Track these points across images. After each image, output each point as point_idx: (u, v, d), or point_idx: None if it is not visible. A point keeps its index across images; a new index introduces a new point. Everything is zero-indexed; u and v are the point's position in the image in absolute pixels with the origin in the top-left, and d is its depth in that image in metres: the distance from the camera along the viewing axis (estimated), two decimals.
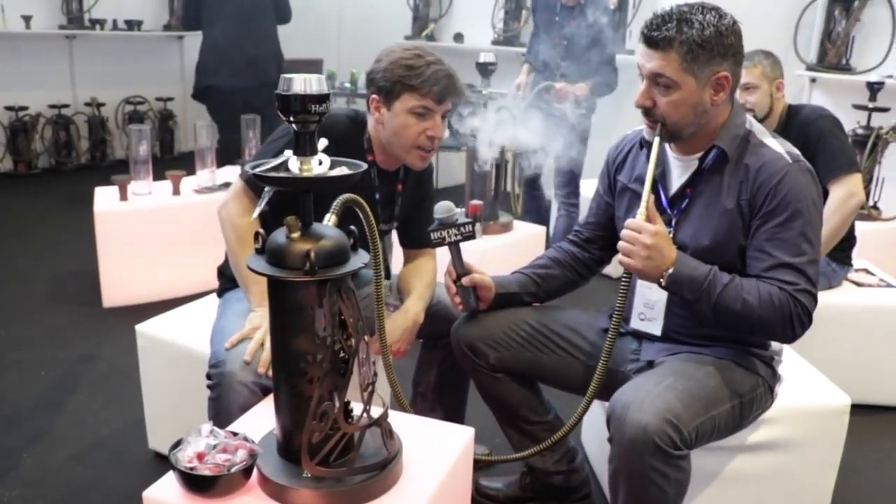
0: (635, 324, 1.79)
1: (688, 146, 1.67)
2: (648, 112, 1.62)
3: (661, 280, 1.56)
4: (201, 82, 4.57)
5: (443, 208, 1.79)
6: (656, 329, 1.75)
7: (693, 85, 1.57)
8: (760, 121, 2.57)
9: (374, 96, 1.84)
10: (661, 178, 1.73)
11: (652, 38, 1.57)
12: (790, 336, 1.55)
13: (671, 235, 1.65)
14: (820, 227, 1.61)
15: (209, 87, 4.54)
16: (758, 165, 1.59)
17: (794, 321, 1.52)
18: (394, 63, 1.79)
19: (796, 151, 1.63)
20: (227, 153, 4.24)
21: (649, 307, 1.75)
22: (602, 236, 1.93)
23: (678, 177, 1.71)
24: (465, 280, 1.82)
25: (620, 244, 1.58)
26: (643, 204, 1.58)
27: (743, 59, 1.64)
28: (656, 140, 1.63)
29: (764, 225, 1.57)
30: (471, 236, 1.80)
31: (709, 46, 1.54)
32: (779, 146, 1.62)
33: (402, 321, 1.91)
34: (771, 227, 1.56)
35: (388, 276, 2.14)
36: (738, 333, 1.65)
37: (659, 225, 1.56)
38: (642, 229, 1.55)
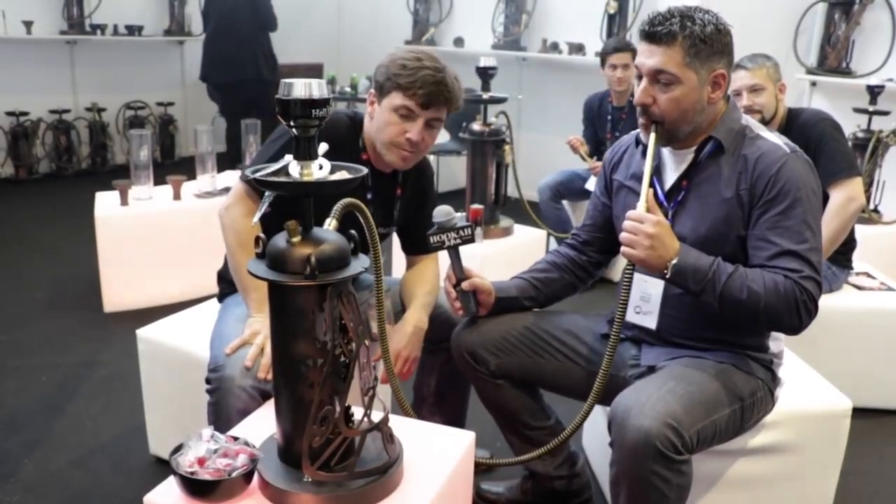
0: (631, 317, 1.77)
1: (683, 142, 1.68)
2: (646, 111, 1.62)
3: (666, 272, 1.55)
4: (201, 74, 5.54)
5: (441, 212, 1.79)
6: (651, 323, 1.75)
7: (694, 81, 1.58)
8: (766, 123, 2.58)
9: (371, 90, 1.87)
10: (656, 172, 1.72)
11: (655, 34, 1.57)
12: (797, 325, 1.54)
13: None
14: (820, 216, 1.61)
15: (204, 79, 5.51)
16: (756, 155, 1.59)
17: (800, 309, 1.52)
18: (393, 60, 1.81)
19: (793, 144, 1.64)
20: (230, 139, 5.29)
21: (645, 300, 1.75)
22: (600, 238, 1.93)
23: (673, 170, 1.71)
24: (465, 284, 1.81)
25: (623, 235, 1.58)
26: (643, 196, 1.58)
27: (733, 60, 1.66)
28: (652, 136, 1.64)
29: (765, 214, 1.57)
30: (470, 240, 1.80)
31: (710, 42, 1.57)
32: (777, 138, 1.64)
33: (403, 330, 1.89)
34: (772, 215, 1.56)
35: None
36: (743, 325, 1.65)
37: (660, 216, 1.56)
38: (644, 219, 1.54)
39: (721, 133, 1.63)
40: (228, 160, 5.18)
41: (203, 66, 5.47)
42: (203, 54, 5.47)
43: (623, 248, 1.58)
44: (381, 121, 1.83)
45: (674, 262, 1.54)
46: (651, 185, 1.64)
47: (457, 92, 1.83)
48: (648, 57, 1.60)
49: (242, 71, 5.26)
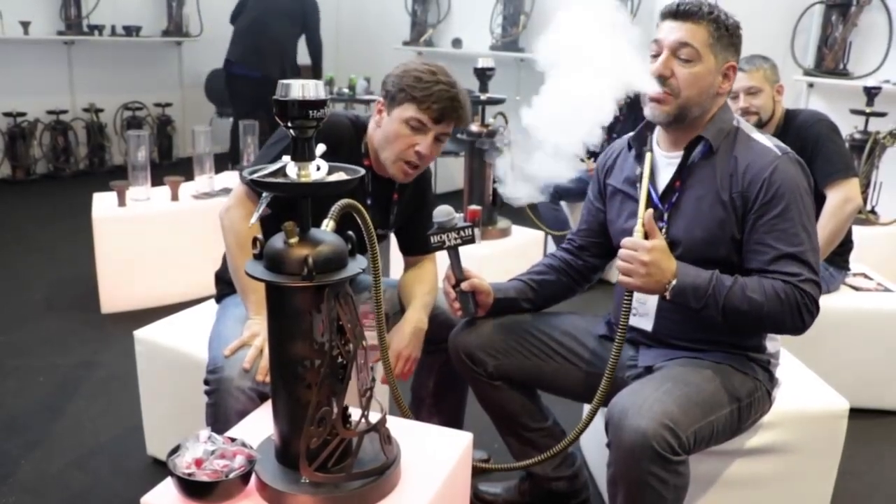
0: (619, 319, 1.77)
1: (676, 139, 1.69)
2: (664, 82, 1.62)
3: (666, 294, 1.56)
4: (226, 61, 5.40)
5: (442, 212, 1.79)
6: (647, 325, 1.76)
7: (712, 64, 1.61)
8: (763, 125, 2.59)
9: (380, 99, 1.88)
10: (650, 177, 1.72)
11: (685, 11, 1.60)
12: (800, 327, 1.56)
13: (664, 230, 1.65)
14: (814, 215, 1.62)
15: (227, 67, 5.34)
16: (748, 159, 1.61)
17: (802, 312, 1.53)
18: (407, 72, 1.82)
19: (784, 145, 1.65)
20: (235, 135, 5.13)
21: (641, 302, 1.75)
22: (595, 242, 1.94)
23: (666, 172, 1.72)
24: (464, 285, 1.81)
25: (618, 264, 1.59)
26: (639, 220, 1.58)
27: (739, 61, 1.68)
28: (648, 156, 1.65)
29: (761, 218, 1.57)
30: (470, 240, 1.80)
31: (730, 32, 1.62)
32: (767, 140, 1.65)
33: (404, 330, 1.90)
34: (769, 219, 1.57)
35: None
36: (747, 331, 1.66)
37: (657, 240, 1.56)
38: (638, 247, 1.55)
39: (711, 133, 1.64)
40: (231, 158, 5.17)
41: (234, 53, 5.30)
42: (234, 43, 5.31)
43: (620, 277, 1.58)
44: (389, 131, 1.84)
45: (673, 283, 1.54)
46: (648, 199, 1.64)
47: (468, 109, 1.86)
48: (672, 32, 1.61)
49: (270, 69, 5.19)
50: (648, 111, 1.67)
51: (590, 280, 2.00)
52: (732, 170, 1.61)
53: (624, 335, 1.62)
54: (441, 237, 1.77)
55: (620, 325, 1.62)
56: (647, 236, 1.57)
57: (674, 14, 1.62)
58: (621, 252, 1.58)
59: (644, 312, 1.76)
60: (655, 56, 1.64)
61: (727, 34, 1.61)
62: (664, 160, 1.72)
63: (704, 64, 1.60)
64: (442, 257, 1.87)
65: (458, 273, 1.81)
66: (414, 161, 1.85)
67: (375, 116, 1.89)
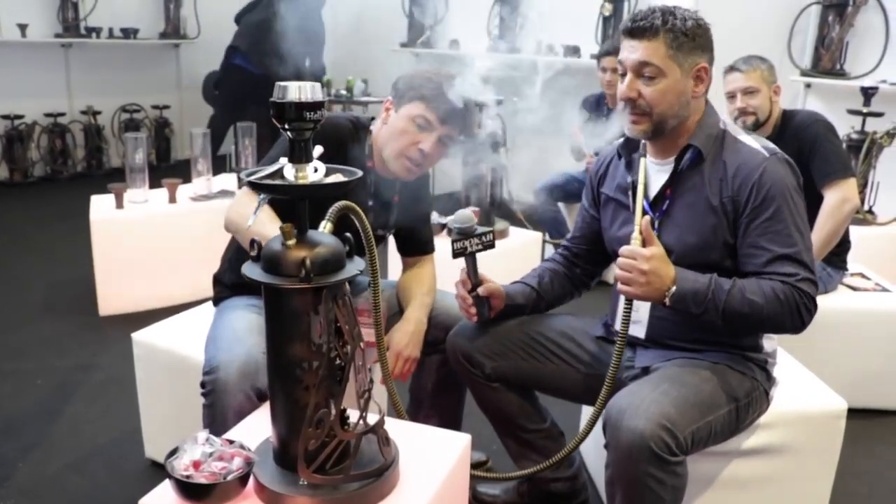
0: (619, 326, 1.78)
1: (664, 147, 1.69)
2: (633, 104, 1.62)
3: (666, 301, 1.55)
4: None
5: (463, 217, 1.76)
6: (641, 332, 1.75)
7: (678, 73, 1.60)
8: (760, 125, 2.59)
9: (389, 97, 1.90)
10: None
11: (639, 28, 1.59)
12: (799, 326, 1.56)
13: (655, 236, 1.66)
14: (805, 214, 1.62)
15: (230, 51, 5.42)
16: (736, 163, 1.61)
17: (801, 311, 1.54)
18: (419, 73, 1.87)
19: (772, 145, 1.65)
20: (218, 132, 5.18)
21: (634, 309, 1.75)
22: (589, 250, 1.94)
23: (657, 180, 1.72)
24: (480, 290, 1.80)
25: (617, 272, 1.58)
26: (636, 228, 1.58)
27: (714, 57, 1.67)
28: (643, 161, 1.65)
29: (754, 221, 1.58)
30: (491, 246, 1.79)
31: (691, 36, 1.59)
32: (754, 142, 1.65)
33: (404, 329, 1.91)
34: (761, 221, 1.57)
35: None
36: (745, 333, 1.66)
37: (655, 247, 1.55)
38: (636, 255, 1.54)
39: (699, 140, 1.64)
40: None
41: (241, 42, 5.37)
42: (241, 35, 5.39)
43: (619, 286, 1.58)
44: (396, 128, 1.86)
45: (672, 290, 1.54)
46: (635, 195, 1.64)
47: (473, 116, 1.90)
48: (632, 52, 1.61)
49: (272, 69, 5.21)
50: (627, 130, 1.68)
51: (588, 286, 2.00)
52: (722, 174, 1.61)
53: (624, 344, 1.62)
54: (463, 243, 1.76)
55: (620, 334, 1.62)
56: (644, 244, 1.57)
57: (630, 32, 1.61)
58: (620, 261, 1.57)
59: (636, 320, 1.75)
60: (623, 75, 1.64)
61: (687, 39, 1.59)
62: (654, 167, 1.72)
63: (669, 77, 1.59)
64: (440, 258, 1.87)
65: (474, 278, 1.81)
66: (416, 159, 1.86)
67: (382, 114, 1.91)
